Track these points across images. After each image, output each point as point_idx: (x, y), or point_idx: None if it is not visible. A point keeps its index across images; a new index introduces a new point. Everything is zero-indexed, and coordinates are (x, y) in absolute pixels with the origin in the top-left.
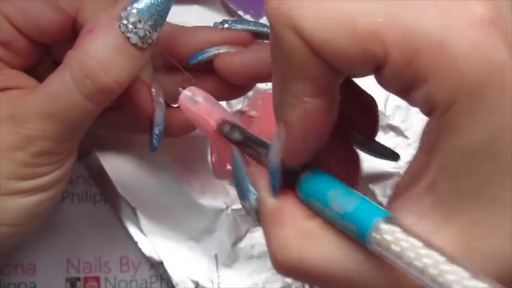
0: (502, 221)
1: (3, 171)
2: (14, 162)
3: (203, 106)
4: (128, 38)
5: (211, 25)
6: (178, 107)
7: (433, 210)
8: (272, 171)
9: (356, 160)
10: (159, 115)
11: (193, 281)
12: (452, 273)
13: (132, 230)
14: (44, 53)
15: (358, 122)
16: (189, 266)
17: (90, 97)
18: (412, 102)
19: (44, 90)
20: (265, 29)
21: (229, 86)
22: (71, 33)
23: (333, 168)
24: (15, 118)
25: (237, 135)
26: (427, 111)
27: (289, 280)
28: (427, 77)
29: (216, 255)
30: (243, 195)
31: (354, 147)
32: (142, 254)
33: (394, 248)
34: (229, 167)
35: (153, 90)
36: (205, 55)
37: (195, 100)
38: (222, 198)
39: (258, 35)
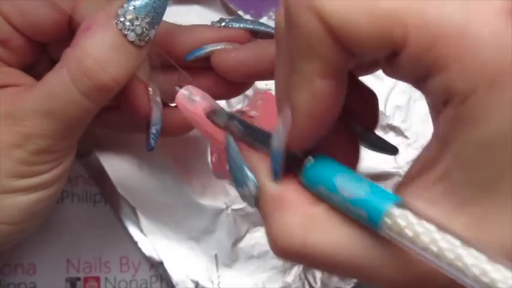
0: None
1: (2, 169)
2: (13, 160)
3: (200, 105)
4: (125, 36)
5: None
6: (175, 106)
7: (444, 199)
8: (275, 156)
9: (356, 148)
10: (156, 114)
11: (193, 281)
12: (470, 256)
13: (132, 230)
14: (41, 52)
15: (358, 114)
16: (189, 266)
17: (88, 95)
18: (427, 91)
19: (42, 88)
20: (262, 28)
21: (227, 84)
22: (67, 31)
23: (333, 155)
24: (13, 116)
25: (225, 120)
26: (443, 101)
27: (289, 280)
28: (446, 65)
29: (216, 255)
30: (240, 181)
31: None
32: (143, 254)
33: (408, 232)
34: None
35: (150, 89)
36: (202, 52)
37: (192, 99)
38: (222, 198)
39: (255, 34)
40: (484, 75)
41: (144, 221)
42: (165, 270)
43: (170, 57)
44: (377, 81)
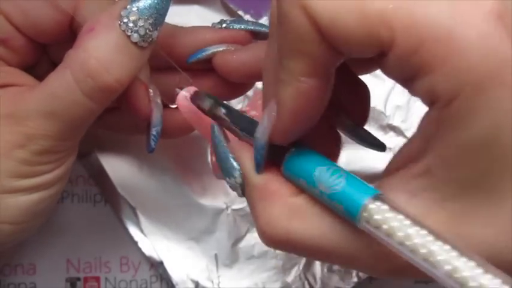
0: (498, 213)
1: (4, 169)
2: (15, 160)
3: None
4: (129, 37)
5: (211, 25)
6: (176, 107)
7: (425, 192)
8: (258, 148)
9: (337, 141)
10: (156, 116)
11: (193, 281)
12: (443, 252)
13: (132, 230)
14: (42, 53)
15: (349, 108)
16: (189, 266)
17: (92, 96)
18: (414, 92)
19: (44, 89)
20: (263, 29)
21: (228, 85)
22: (68, 32)
23: (315, 147)
24: (16, 116)
25: (209, 104)
26: (429, 102)
27: (289, 280)
28: (432, 67)
29: (216, 255)
30: (226, 171)
31: (340, 131)
32: (143, 254)
33: (384, 226)
34: None
35: (151, 90)
36: (204, 53)
37: None
38: (222, 198)
39: (256, 35)
40: (468, 80)
41: (144, 221)
42: (165, 270)
43: (171, 59)
44: (377, 81)
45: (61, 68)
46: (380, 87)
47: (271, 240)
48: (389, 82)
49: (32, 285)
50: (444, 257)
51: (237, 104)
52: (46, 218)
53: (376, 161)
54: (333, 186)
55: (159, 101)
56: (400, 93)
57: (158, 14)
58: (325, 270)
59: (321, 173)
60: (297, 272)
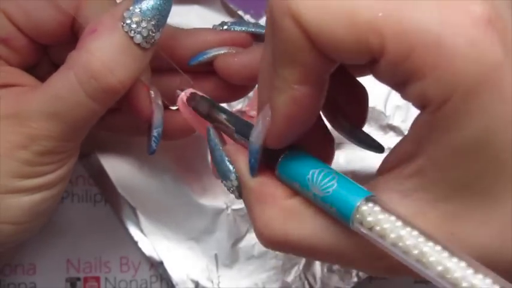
0: (491, 215)
1: (6, 169)
2: (17, 160)
3: None
4: (132, 38)
5: (211, 26)
6: (177, 109)
7: (418, 193)
8: (252, 152)
9: (331, 142)
10: (157, 117)
11: (193, 281)
12: (434, 253)
13: (133, 230)
14: (43, 54)
15: (348, 110)
16: (189, 266)
17: (95, 97)
18: (406, 96)
19: (47, 90)
20: (264, 31)
21: (229, 88)
22: (70, 33)
23: (308, 149)
24: (19, 117)
25: (205, 106)
26: (420, 106)
27: (289, 280)
28: (422, 73)
29: (216, 255)
30: (222, 174)
31: (339, 133)
32: (143, 254)
33: (376, 228)
34: None
35: (152, 92)
36: (205, 56)
37: None
38: (222, 198)
39: (257, 37)
40: (458, 84)
41: (144, 221)
42: (165, 270)
43: (172, 61)
44: (377, 81)
45: (64, 69)
46: (380, 87)
47: (270, 241)
48: None
49: (32, 285)
50: (436, 257)
51: (237, 104)
52: (48, 218)
53: (375, 161)
54: (325, 189)
55: (160, 102)
56: None
57: (161, 15)
58: (325, 270)
59: (313, 176)
60: (297, 272)
